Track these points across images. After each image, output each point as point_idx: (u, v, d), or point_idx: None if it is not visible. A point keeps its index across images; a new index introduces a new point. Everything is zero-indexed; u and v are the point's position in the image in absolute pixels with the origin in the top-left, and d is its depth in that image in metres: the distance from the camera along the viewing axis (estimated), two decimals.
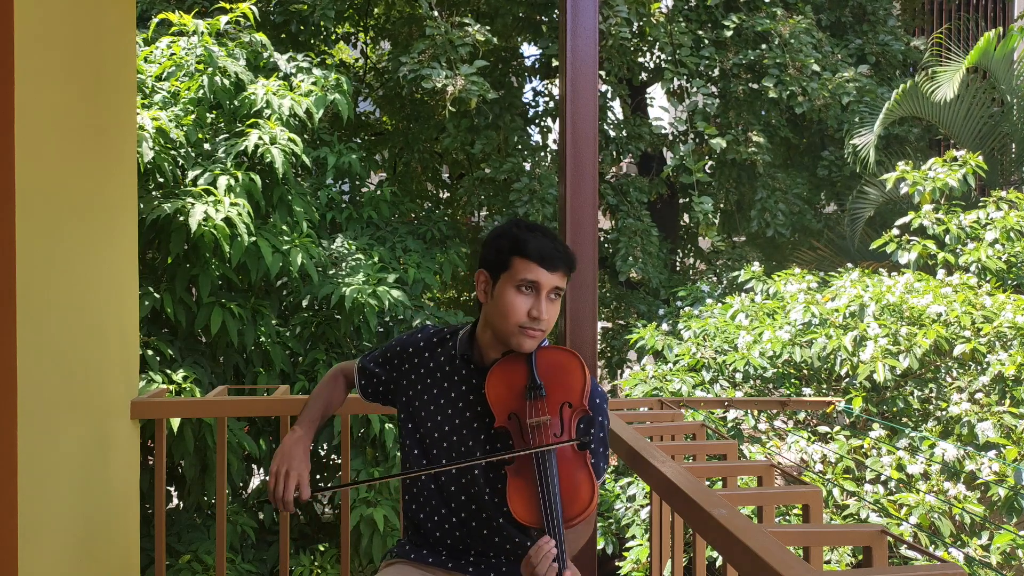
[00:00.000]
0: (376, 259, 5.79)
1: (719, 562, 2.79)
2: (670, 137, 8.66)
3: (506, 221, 1.73)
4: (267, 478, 5.51)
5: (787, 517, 4.34)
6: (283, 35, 7.66)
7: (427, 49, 6.69)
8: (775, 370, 5.07)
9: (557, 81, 8.42)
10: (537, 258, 1.63)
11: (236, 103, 5.24)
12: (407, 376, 1.80)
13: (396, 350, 1.83)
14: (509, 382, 1.66)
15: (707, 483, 1.91)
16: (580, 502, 1.59)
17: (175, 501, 5.36)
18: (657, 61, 8.20)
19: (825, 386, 5.22)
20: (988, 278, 5.23)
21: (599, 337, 8.03)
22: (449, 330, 1.83)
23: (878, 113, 7.25)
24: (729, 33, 7.75)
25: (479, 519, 1.72)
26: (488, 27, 7.12)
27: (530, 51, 12.57)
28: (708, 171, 7.89)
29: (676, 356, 5.54)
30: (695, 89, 7.82)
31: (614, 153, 8.12)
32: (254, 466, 5.57)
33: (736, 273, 6.67)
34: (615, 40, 7.23)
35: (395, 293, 5.26)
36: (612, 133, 8.19)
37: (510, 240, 1.66)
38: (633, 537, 5.04)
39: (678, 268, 9.64)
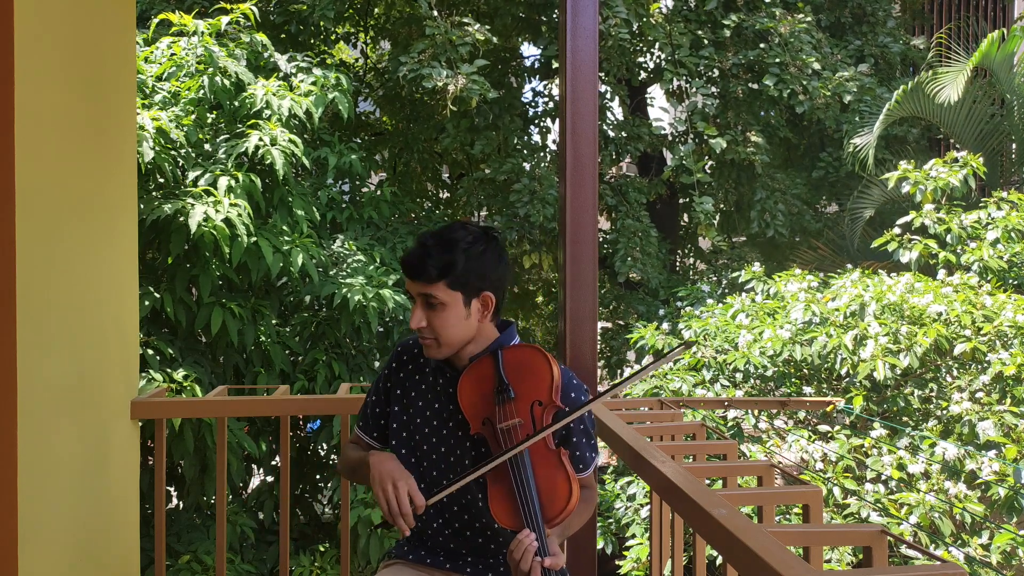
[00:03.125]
0: (377, 259, 5.79)
1: (719, 561, 2.79)
2: (669, 138, 8.66)
3: None
4: (268, 478, 5.52)
5: (787, 517, 4.34)
6: (283, 35, 7.66)
7: (427, 49, 6.69)
8: (775, 369, 5.07)
9: (557, 81, 8.42)
10: (403, 268, 1.64)
11: (236, 103, 5.24)
12: (393, 392, 1.79)
13: (383, 375, 1.82)
14: (479, 387, 1.64)
15: (707, 483, 1.91)
16: (559, 502, 1.58)
17: (175, 501, 5.37)
18: (657, 61, 8.20)
19: (825, 385, 5.22)
20: (989, 278, 5.23)
21: (598, 337, 8.02)
22: None
23: (878, 113, 7.25)
24: (728, 33, 7.75)
25: (474, 525, 1.73)
26: (488, 27, 7.12)
27: (530, 51, 12.57)
28: (707, 171, 7.89)
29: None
30: (694, 89, 7.82)
31: (613, 154, 8.12)
32: (254, 466, 5.57)
33: (736, 273, 6.67)
34: (614, 41, 7.23)
35: (399, 298, 5.26)
36: (611, 134, 8.19)
37: None
38: (633, 536, 5.04)
39: (678, 268, 9.64)
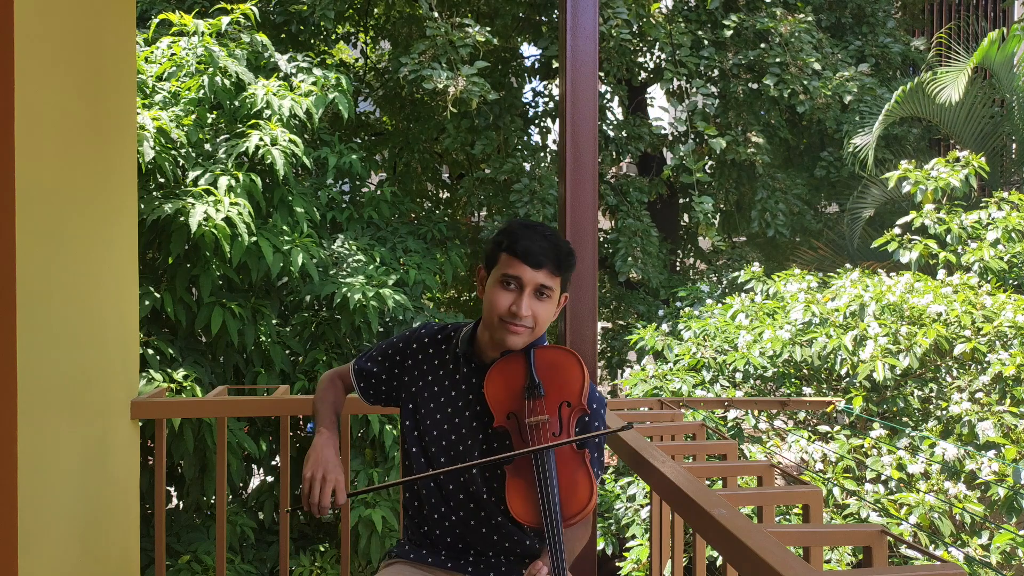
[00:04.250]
0: (377, 260, 5.79)
1: (719, 562, 2.79)
2: (670, 137, 8.66)
3: (512, 220, 1.74)
4: (268, 478, 5.52)
5: (787, 517, 4.34)
6: (283, 35, 7.66)
7: (427, 50, 6.69)
8: (775, 369, 5.07)
9: (557, 81, 8.42)
10: (521, 254, 1.64)
11: (236, 103, 5.24)
12: (409, 373, 1.79)
13: (398, 347, 1.82)
14: (508, 381, 1.66)
15: (707, 483, 1.91)
16: (579, 501, 1.59)
17: (175, 501, 5.37)
18: (657, 61, 8.20)
19: (825, 386, 5.22)
20: (989, 278, 5.23)
21: (599, 337, 8.02)
22: (452, 328, 1.82)
23: (878, 113, 7.25)
24: (729, 33, 7.75)
25: (478, 518, 1.72)
26: (488, 27, 7.12)
27: (530, 51, 12.57)
28: (708, 171, 7.90)
29: (676, 356, 5.54)
30: (695, 89, 7.82)
31: (614, 153, 8.12)
32: (254, 466, 5.57)
33: (736, 273, 6.67)
34: (615, 42, 7.23)
35: (398, 297, 5.26)
36: (611, 133, 8.19)
37: (504, 236, 1.68)
38: (633, 537, 5.04)
39: (678, 268, 9.64)
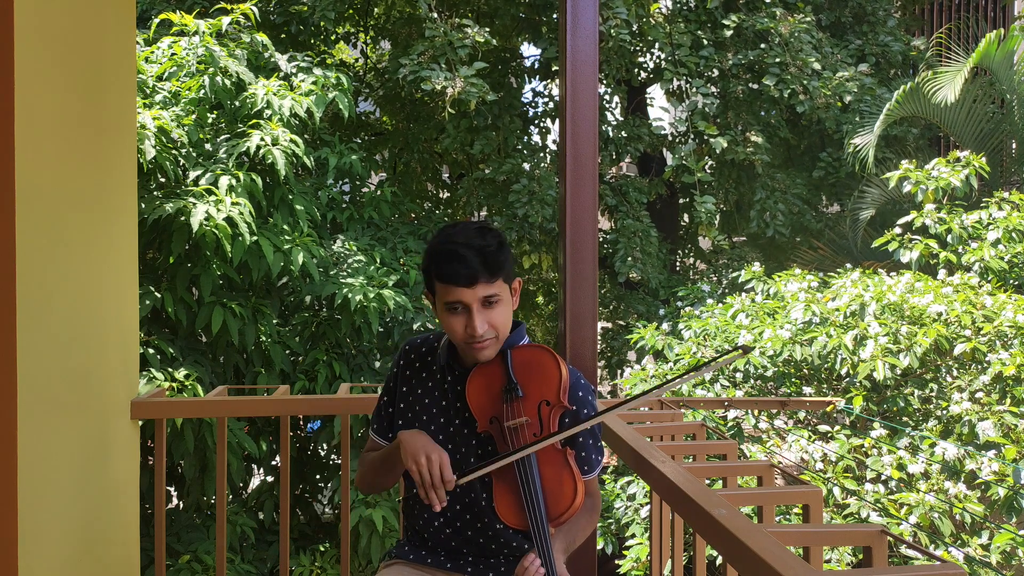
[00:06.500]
0: (377, 260, 5.79)
1: (719, 561, 2.79)
2: (670, 138, 8.66)
3: (434, 236, 1.68)
4: (268, 478, 5.52)
5: (787, 517, 4.34)
6: (283, 35, 7.66)
7: (426, 51, 6.69)
8: (776, 369, 5.07)
9: (556, 82, 8.42)
10: (452, 279, 1.58)
11: (237, 103, 5.24)
12: (399, 389, 1.80)
13: (391, 373, 1.83)
14: (488, 386, 1.65)
15: (707, 483, 1.91)
16: (564, 501, 1.58)
17: (175, 501, 5.37)
18: (657, 61, 8.20)
19: (825, 385, 5.22)
20: (990, 278, 5.23)
21: (598, 337, 8.02)
22: (433, 337, 1.81)
23: (878, 113, 7.25)
24: (728, 33, 7.75)
25: (476, 523, 1.73)
26: (488, 28, 7.12)
27: (530, 52, 12.57)
28: (708, 171, 7.90)
29: (677, 355, 5.54)
30: (694, 89, 7.82)
31: (613, 154, 8.12)
32: (254, 466, 5.57)
33: (737, 273, 6.67)
34: (614, 42, 7.23)
35: (399, 298, 5.26)
36: (611, 134, 8.19)
37: (430, 262, 1.62)
38: (633, 536, 5.04)
39: (678, 268, 9.64)
